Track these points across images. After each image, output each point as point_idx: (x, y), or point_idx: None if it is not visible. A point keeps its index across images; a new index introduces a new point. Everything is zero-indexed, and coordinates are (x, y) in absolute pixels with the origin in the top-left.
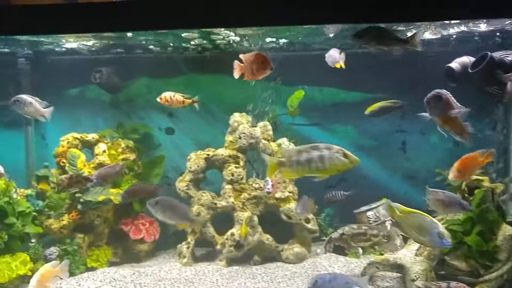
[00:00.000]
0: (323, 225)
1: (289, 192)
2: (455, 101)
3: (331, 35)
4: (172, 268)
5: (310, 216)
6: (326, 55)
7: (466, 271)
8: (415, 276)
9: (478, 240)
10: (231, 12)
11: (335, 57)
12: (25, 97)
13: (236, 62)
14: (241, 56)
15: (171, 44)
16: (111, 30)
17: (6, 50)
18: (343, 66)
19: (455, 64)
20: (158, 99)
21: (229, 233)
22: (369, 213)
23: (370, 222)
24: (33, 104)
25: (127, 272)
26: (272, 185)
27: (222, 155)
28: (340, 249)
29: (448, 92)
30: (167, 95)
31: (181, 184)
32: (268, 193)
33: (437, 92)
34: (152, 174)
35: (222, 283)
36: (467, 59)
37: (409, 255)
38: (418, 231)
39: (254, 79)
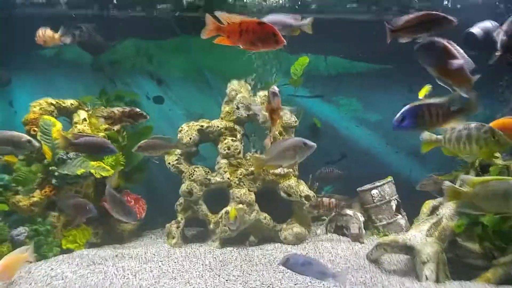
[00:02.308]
0: None
1: (289, 168)
2: (459, 50)
3: None
4: (159, 249)
5: (311, 194)
6: (273, 20)
7: (479, 253)
8: (427, 258)
9: (495, 220)
10: None
11: (289, 23)
12: None
13: (210, 19)
14: (221, 15)
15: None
16: None
17: None
18: (310, 32)
19: (476, 29)
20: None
21: (223, 211)
22: (374, 192)
23: (375, 201)
24: None
25: (109, 254)
26: (359, 228)
27: (218, 126)
28: (341, 230)
29: (450, 41)
30: (40, 31)
31: (171, 158)
32: (355, 236)
33: (429, 40)
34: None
35: (216, 265)
36: (489, 24)
37: (419, 235)
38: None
39: (251, 50)
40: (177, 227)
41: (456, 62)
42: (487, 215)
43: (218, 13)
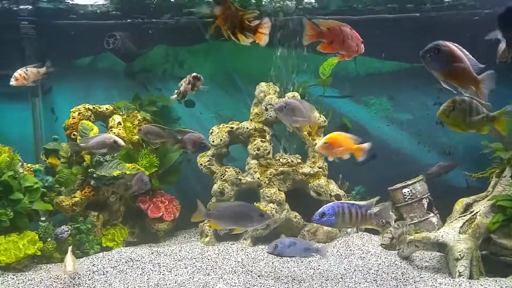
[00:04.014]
0: None
1: (319, 168)
2: (466, 53)
3: None
4: (193, 247)
5: (341, 193)
6: None
7: None
8: (460, 255)
9: None
10: None
11: None
12: None
13: (309, 25)
14: (321, 22)
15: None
16: None
17: (6, 4)
18: None
19: None
20: (13, 82)
21: None
22: (405, 190)
23: (406, 199)
24: None
25: (145, 252)
26: (392, 239)
27: (247, 128)
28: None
29: (455, 44)
30: (20, 72)
31: (203, 160)
32: (384, 247)
33: (435, 44)
34: (171, 149)
35: (248, 262)
36: None
37: (452, 232)
38: None
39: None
40: (210, 226)
41: (458, 66)
42: None
43: (315, 20)
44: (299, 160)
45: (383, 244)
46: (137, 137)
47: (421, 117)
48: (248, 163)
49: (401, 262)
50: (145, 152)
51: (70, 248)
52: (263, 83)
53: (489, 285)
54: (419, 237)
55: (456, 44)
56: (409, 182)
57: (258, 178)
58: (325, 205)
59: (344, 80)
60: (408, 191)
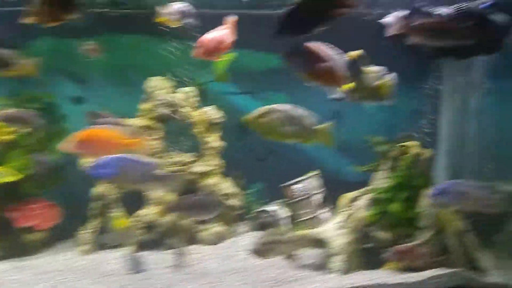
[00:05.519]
0: (251, 201)
1: (214, 166)
2: (334, 51)
3: None
4: (67, 258)
5: (235, 191)
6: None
7: (392, 241)
8: (337, 250)
9: (399, 207)
10: None
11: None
12: None
13: None
14: None
15: None
16: None
17: None
18: None
19: (390, 19)
20: None
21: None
22: (297, 186)
23: (298, 196)
24: None
25: (5, 267)
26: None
27: (136, 125)
28: (266, 227)
29: (321, 43)
30: None
31: (85, 161)
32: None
33: (297, 45)
34: (49, 149)
35: (120, 271)
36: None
37: (331, 228)
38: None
39: None
40: (91, 233)
41: (323, 66)
42: (394, 204)
43: None
44: (193, 159)
45: (255, 248)
46: (9, 137)
47: (316, 113)
48: None
49: (281, 261)
50: (16, 153)
51: None
52: (154, 78)
53: (356, 278)
54: (300, 234)
55: (322, 44)
56: (301, 178)
57: None
58: (104, 157)
59: (244, 76)
60: (301, 187)
